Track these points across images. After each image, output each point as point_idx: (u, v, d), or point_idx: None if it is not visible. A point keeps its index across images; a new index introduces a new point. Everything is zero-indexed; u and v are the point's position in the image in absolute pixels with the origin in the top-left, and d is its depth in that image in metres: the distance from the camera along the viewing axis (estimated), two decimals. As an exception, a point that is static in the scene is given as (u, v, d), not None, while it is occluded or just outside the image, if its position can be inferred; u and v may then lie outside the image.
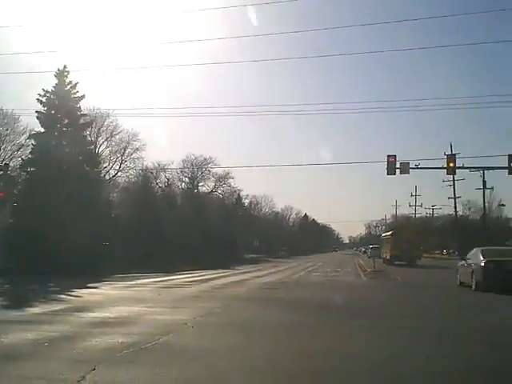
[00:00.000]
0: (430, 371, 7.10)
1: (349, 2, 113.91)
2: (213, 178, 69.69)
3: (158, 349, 8.50)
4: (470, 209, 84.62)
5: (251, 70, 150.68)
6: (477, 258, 21.28)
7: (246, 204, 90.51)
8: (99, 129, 49.95)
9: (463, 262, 23.28)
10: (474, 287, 20.05)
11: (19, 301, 16.67)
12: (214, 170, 67.93)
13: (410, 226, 74.79)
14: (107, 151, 51.82)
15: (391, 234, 48.27)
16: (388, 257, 44.32)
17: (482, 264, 20.21)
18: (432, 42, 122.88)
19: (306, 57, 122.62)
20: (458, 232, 64.00)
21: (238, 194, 79.81)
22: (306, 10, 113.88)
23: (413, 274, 32.59)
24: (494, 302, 17.09)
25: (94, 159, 43.46)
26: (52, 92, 37.10)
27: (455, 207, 64.27)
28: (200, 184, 69.75)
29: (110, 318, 12.21)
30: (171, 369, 7.17)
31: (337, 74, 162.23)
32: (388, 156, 34.12)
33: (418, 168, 36.49)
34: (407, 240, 43.96)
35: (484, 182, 56.33)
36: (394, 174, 34.07)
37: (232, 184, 71.56)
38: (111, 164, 52.01)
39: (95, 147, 48.65)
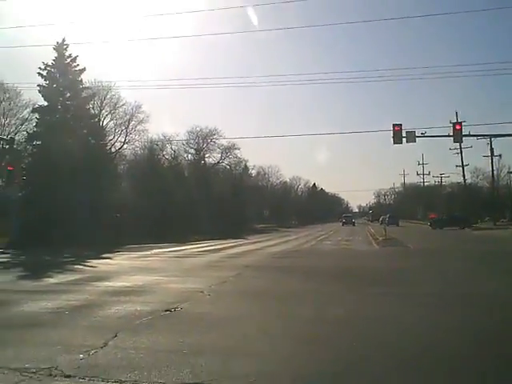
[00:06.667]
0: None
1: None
2: (219, 150, 69.30)
3: (177, 316, 8.61)
4: (478, 176, 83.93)
5: (254, 40, 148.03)
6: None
7: (253, 174, 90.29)
8: (102, 101, 49.44)
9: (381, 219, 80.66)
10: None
11: (36, 271, 16.89)
12: (219, 142, 67.54)
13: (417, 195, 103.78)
14: (111, 124, 51.27)
15: (371, 212, 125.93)
16: (371, 219, 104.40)
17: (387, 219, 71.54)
18: (433, 9, 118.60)
19: (310, 26, 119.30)
20: (467, 199, 63.78)
21: (245, 165, 79.44)
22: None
23: (422, 242, 32.54)
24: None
25: (99, 132, 43.31)
26: (52, 65, 36.79)
27: (463, 175, 63.90)
28: (206, 155, 69.43)
29: (126, 287, 12.30)
30: (191, 335, 7.23)
31: (337, 41, 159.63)
32: (393, 125, 33.73)
33: (424, 136, 36.24)
34: (377, 213, 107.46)
35: (492, 150, 55.91)
36: (401, 142, 33.80)
37: (238, 155, 71.24)
38: (116, 137, 51.49)
39: (99, 120, 48.25)
